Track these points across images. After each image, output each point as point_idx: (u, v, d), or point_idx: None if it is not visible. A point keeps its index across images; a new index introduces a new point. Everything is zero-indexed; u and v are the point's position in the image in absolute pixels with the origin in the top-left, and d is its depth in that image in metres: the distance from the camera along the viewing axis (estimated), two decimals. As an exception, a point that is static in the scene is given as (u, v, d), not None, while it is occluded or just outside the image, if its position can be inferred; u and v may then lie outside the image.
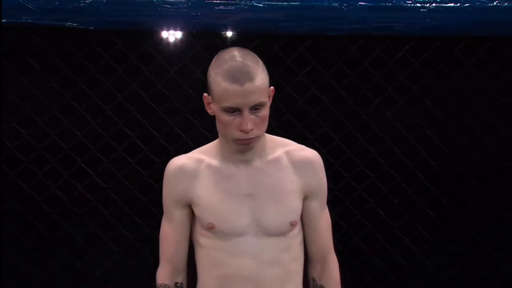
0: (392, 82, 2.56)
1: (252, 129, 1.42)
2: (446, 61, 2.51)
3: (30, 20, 2.18)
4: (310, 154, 1.58)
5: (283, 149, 1.56)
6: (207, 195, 1.53)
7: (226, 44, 2.47)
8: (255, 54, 1.45)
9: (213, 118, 1.51)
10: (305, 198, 1.57)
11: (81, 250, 2.60)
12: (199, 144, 2.50)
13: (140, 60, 2.35)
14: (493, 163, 2.66)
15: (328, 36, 2.36)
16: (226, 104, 1.41)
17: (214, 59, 1.46)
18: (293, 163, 1.55)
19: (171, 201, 1.56)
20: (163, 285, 1.59)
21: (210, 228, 1.52)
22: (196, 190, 1.53)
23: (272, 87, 1.46)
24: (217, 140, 1.56)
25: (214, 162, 1.54)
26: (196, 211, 1.55)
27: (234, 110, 1.41)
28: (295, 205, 1.54)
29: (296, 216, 1.55)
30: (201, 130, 2.52)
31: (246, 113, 1.41)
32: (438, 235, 2.70)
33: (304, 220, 1.59)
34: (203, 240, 1.55)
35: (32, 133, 2.44)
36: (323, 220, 1.60)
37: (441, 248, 2.72)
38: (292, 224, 1.54)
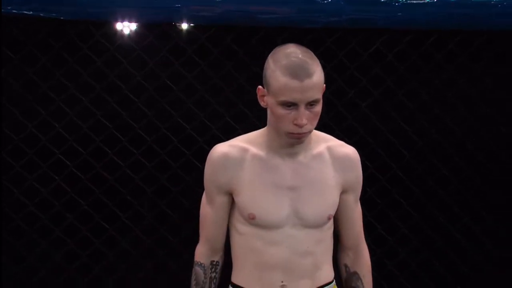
0: (366, 74, 2.62)
1: (306, 124, 1.45)
2: (418, 54, 2.58)
3: (7, 10, 2.17)
4: (350, 150, 1.63)
5: (325, 144, 1.60)
6: (251, 186, 1.55)
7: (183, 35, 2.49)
8: (311, 51, 1.48)
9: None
10: (342, 192, 1.62)
11: (59, 242, 2.59)
12: (179, 135, 2.59)
13: (118, 51, 2.36)
14: (462, 154, 2.75)
15: (305, 28, 2.40)
16: (284, 98, 1.44)
17: (271, 54, 1.50)
18: (334, 159, 1.60)
19: (213, 187, 1.59)
20: (199, 263, 1.65)
21: (251, 218, 1.55)
22: (239, 180, 1.56)
23: (324, 84, 1.49)
24: (263, 130, 1.58)
25: (260, 152, 1.56)
26: (238, 200, 1.57)
27: (291, 105, 1.45)
28: (333, 200, 1.60)
29: (333, 210, 1.60)
30: (179, 121, 2.54)
31: (302, 108, 1.44)
32: (410, 223, 2.78)
33: (339, 212, 1.64)
34: (241, 227, 1.59)
35: (8, 124, 2.43)
36: (356, 212, 1.67)
37: (413, 236, 2.80)
38: (329, 218, 1.59)
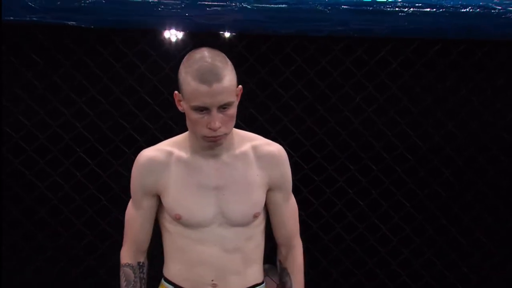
0: (372, 81, 2.69)
1: (220, 127, 1.48)
2: (422, 62, 2.64)
3: (33, 18, 2.27)
4: (275, 148, 1.65)
5: (250, 143, 1.64)
6: (176, 188, 1.59)
7: (217, 43, 2.60)
8: (224, 55, 1.51)
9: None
10: (269, 190, 1.66)
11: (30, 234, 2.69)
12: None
13: (136, 57, 2.47)
14: (464, 157, 2.80)
15: (312, 37, 2.46)
16: (195, 103, 1.47)
17: (185, 59, 1.52)
18: (258, 158, 1.62)
19: (139, 191, 1.64)
20: (127, 264, 1.69)
21: (178, 218, 1.60)
22: (165, 182, 1.60)
23: (240, 86, 1.53)
24: (187, 133, 1.63)
25: (184, 155, 1.60)
26: (164, 202, 1.62)
27: (203, 109, 1.48)
28: (259, 198, 1.63)
29: (259, 208, 1.64)
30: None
31: (214, 112, 1.47)
32: (413, 224, 2.82)
33: (269, 209, 1.68)
34: (170, 226, 1.64)
35: (34, 123, 2.57)
36: (287, 209, 1.70)
37: (416, 236, 2.83)
38: (255, 216, 1.63)
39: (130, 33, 2.37)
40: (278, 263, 1.75)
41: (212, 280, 1.61)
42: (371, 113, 2.71)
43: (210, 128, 1.49)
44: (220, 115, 1.49)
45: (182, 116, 2.62)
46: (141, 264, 1.70)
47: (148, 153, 1.64)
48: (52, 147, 2.57)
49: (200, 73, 1.46)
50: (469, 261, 2.89)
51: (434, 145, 2.81)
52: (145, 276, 1.71)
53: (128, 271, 1.69)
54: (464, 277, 2.90)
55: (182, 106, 1.55)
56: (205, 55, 1.49)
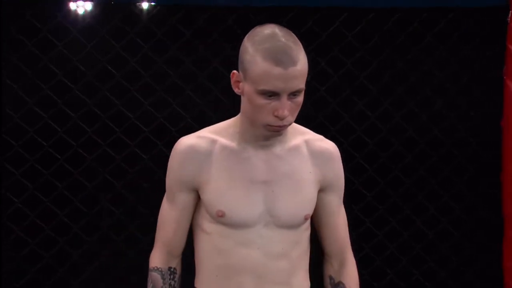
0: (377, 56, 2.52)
1: (287, 116, 1.36)
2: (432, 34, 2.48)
3: None
4: (329, 145, 1.54)
5: (302, 137, 1.51)
6: (219, 181, 1.45)
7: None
8: (295, 35, 1.36)
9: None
10: (321, 191, 1.52)
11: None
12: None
13: (51, 33, 2.24)
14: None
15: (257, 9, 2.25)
16: (265, 87, 1.33)
17: (249, 35, 1.37)
18: (311, 153, 1.50)
19: (176, 183, 1.48)
20: (156, 268, 1.53)
21: (220, 216, 1.45)
22: (206, 175, 1.46)
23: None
24: (234, 119, 1.48)
25: (230, 143, 1.46)
26: (204, 197, 1.47)
27: (272, 94, 1.34)
28: (311, 198, 1.50)
29: (311, 209, 1.50)
30: (121, 109, 2.41)
31: (284, 98, 1.34)
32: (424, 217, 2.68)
33: (321, 216, 1.55)
34: (208, 226, 1.48)
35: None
36: (340, 216, 1.56)
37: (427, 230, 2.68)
38: (306, 218, 1.49)
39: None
40: (327, 279, 1.59)
41: None
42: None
43: (276, 116, 1.36)
44: (289, 102, 1.35)
45: (107, 100, 2.36)
46: (172, 269, 1.54)
47: (188, 141, 1.48)
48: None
49: (273, 53, 1.32)
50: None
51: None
52: (176, 285, 1.55)
53: (156, 275, 1.52)
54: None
55: (241, 89, 1.39)
56: (277, 33, 1.35)
